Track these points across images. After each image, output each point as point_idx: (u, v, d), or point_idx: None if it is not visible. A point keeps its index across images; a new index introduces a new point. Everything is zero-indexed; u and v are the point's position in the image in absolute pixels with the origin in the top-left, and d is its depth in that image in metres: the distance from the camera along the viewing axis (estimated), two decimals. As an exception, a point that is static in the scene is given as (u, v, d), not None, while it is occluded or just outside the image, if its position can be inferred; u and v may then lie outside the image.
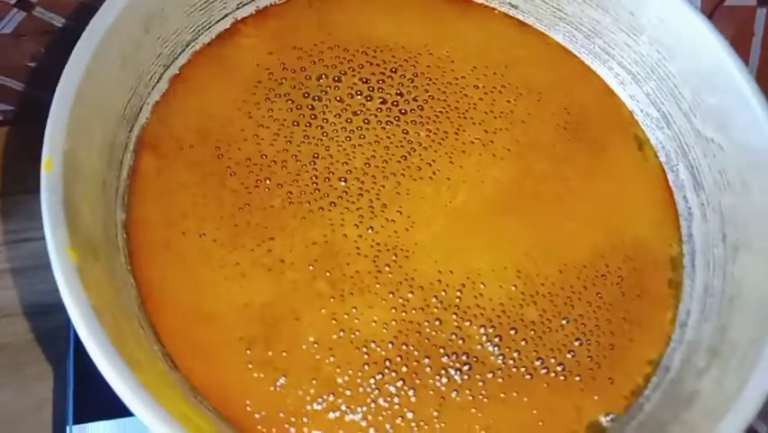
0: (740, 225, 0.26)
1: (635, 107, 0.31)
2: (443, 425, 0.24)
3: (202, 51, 0.29)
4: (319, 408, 0.23)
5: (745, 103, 0.27)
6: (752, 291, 0.24)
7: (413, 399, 0.24)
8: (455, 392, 0.24)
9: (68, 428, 0.28)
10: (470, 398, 0.24)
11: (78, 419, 0.28)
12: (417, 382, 0.24)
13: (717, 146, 0.28)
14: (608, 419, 0.25)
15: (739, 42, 0.33)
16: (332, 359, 0.24)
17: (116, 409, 0.27)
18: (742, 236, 0.26)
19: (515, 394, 0.24)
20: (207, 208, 0.26)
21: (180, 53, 0.29)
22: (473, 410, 0.24)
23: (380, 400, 0.24)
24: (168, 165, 0.27)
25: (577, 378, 0.25)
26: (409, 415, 0.24)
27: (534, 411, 0.24)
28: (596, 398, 0.25)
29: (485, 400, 0.24)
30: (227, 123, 0.28)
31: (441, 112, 0.30)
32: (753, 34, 0.37)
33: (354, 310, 0.25)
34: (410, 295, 0.25)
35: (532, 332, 0.25)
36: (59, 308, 0.20)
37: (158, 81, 0.28)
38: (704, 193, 0.28)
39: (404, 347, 0.25)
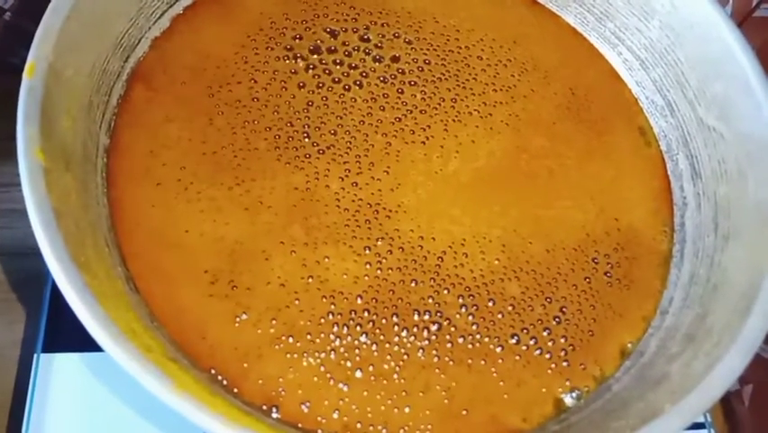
0: (733, 215, 0.25)
1: (641, 94, 0.30)
2: (402, 381, 0.23)
3: (207, -5, 0.29)
4: (276, 348, 0.23)
5: (750, 91, 0.26)
6: (734, 280, 0.23)
7: (375, 352, 0.23)
8: (420, 351, 0.23)
9: (35, 356, 0.28)
10: (436, 358, 0.23)
11: (48, 349, 0.28)
12: (381, 337, 0.24)
13: (718, 135, 0.27)
14: (573, 396, 0.24)
15: (765, 54, 0.33)
16: (296, 302, 0.24)
17: (87, 343, 0.27)
18: (733, 226, 0.25)
19: (482, 362, 0.23)
20: (191, 143, 0.26)
21: (186, -7, 0.29)
22: (437, 371, 0.23)
23: (341, 350, 0.23)
24: (158, 98, 0.27)
25: (547, 355, 0.24)
26: (369, 368, 0.23)
27: (501, 382, 0.23)
28: (565, 377, 0.24)
29: (450, 362, 0.23)
30: (223, 64, 0.28)
31: (439, 78, 0.29)
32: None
33: (326, 259, 0.25)
34: (388, 254, 0.25)
35: (510, 307, 0.24)
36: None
37: (160, 17, 0.28)
38: (701, 182, 0.27)
39: (373, 302, 0.24)
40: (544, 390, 0.23)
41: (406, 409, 0.23)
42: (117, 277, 0.23)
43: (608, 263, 0.26)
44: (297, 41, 0.29)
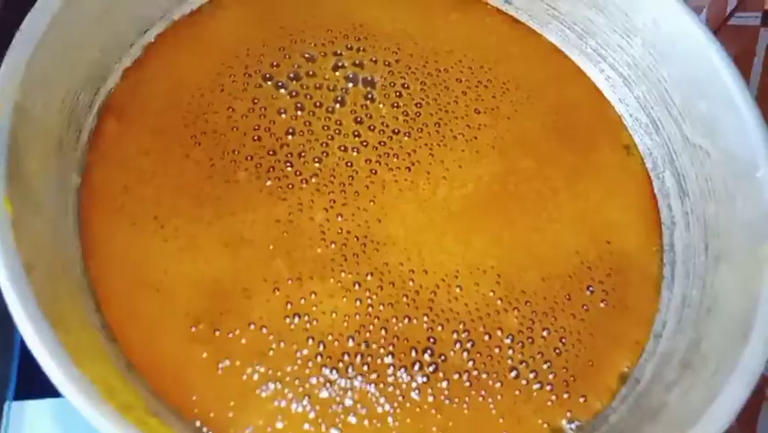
0: (722, 235, 0.25)
1: (625, 111, 0.30)
2: (397, 424, 0.22)
3: (181, 21, 0.28)
4: (263, 395, 0.22)
5: (735, 110, 0.25)
6: (727, 303, 0.23)
7: (369, 395, 0.23)
8: (416, 392, 0.23)
9: (5, 404, 0.27)
10: (431, 398, 0.23)
11: (20, 396, 0.27)
12: (375, 378, 0.23)
13: (704, 153, 0.27)
14: (572, 427, 0.23)
15: (742, 63, 0.33)
16: (282, 345, 0.23)
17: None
18: (724, 247, 0.25)
19: (480, 399, 0.23)
20: (168, 177, 0.25)
21: (159, 20, 0.28)
22: (433, 411, 0.22)
23: (333, 394, 0.22)
24: (131, 131, 0.26)
25: (548, 387, 0.23)
26: (362, 411, 0.22)
27: (500, 420, 0.22)
28: (566, 409, 0.23)
29: (447, 401, 0.23)
30: (198, 93, 0.27)
31: (420, 102, 0.29)
32: (755, 55, 0.36)
33: (313, 296, 0.24)
34: (379, 290, 0.24)
35: (509, 340, 0.24)
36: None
37: (131, 46, 0.27)
38: (689, 201, 0.27)
39: (365, 343, 0.23)
40: (545, 425, 0.23)
41: (401, 452, 0.22)
42: (92, 326, 0.21)
43: (603, 290, 0.26)
44: (275, 67, 0.28)
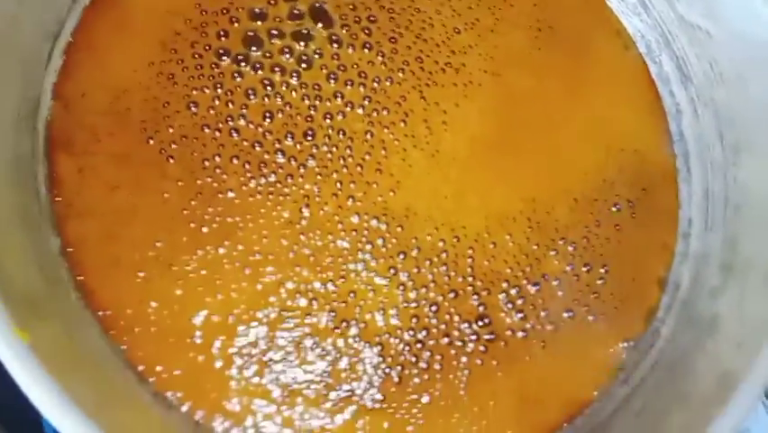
0: (738, 123, 0.24)
1: (609, -6, 0.27)
2: (470, 399, 0.22)
3: (94, 5, 0.23)
4: (336, 408, 0.21)
5: (740, -15, 0.24)
6: (758, 198, 0.23)
7: (438, 375, 0.22)
8: (479, 360, 0.23)
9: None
10: (495, 362, 0.23)
11: None
12: (439, 361, 0.22)
13: (704, 34, 0.25)
14: (625, 346, 0.24)
15: None
16: (342, 361, 0.22)
17: None
18: (742, 137, 0.24)
19: (542, 349, 0.23)
20: (151, 209, 0.22)
21: (68, 14, 0.22)
22: (499, 375, 0.23)
23: (406, 388, 0.22)
24: (89, 164, 0.22)
25: (602, 317, 0.24)
26: (436, 394, 0.22)
27: (564, 362, 0.23)
28: (616, 329, 0.24)
29: (511, 362, 0.23)
30: (148, 94, 0.23)
31: (392, 39, 0.25)
32: None
33: (352, 297, 0.22)
34: (416, 271, 0.23)
35: (556, 284, 0.23)
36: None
37: (49, 58, 0.22)
38: (693, 87, 0.26)
39: (422, 332, 0.22)
40: (605, 353, 0.23)
41: (483, 423, 0.22)
42: (146, 405, 0.20)
43: (628, 203, 0.25)
44: (225, 38, 0.24)
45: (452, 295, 0.23)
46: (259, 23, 0.24)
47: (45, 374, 0.16)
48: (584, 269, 0.24)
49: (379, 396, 0.22)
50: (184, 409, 0.20)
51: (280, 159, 0.23)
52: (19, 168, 0.20)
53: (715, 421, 0.18)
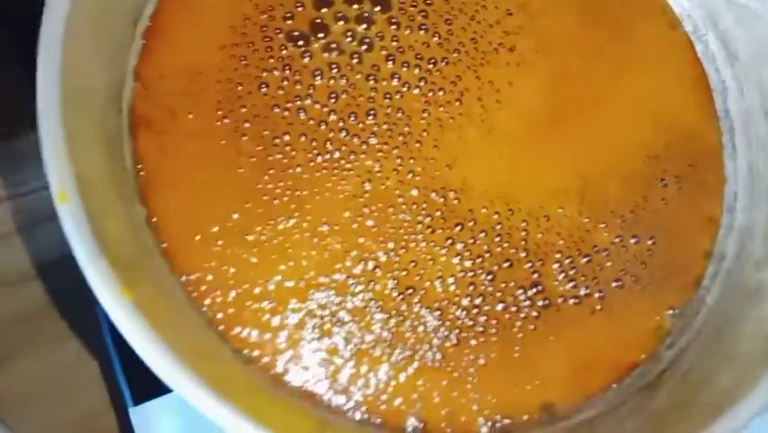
0: (784, 100, 0.25)
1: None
2: (525, 360, 0.24)
3: (169, -5, 0.25)
4: (399, 366, 0.23)
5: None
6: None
7: (493, 339, 0.24)
8: (532, 326, 0.24)
9: (130, 411, 0.27)
10: (546, 328, 0.24)
11: (137, 402, 0.27)
12: (494, 325, 0.24)
13: (752, 13, 0.26)
14: (671, 313, 0.25)
15: None
16: (406, 323, 0.23)
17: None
18: (788, 113, 0.25)
19: (592, 316, 0.24)
20: (227, 183, 0.24)
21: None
22: (551, 339, 0.24)
23: (464, 351, 0.23)
24: (169, 141, 0.24)
25: (650, 286, 0.25)
26: (492, 356, 0.24)
27: (613, 328, 0.24)
28: (662, 297, 0.25)
29: (563, 327, 0.24)
30: (221, 76, 0.24)
31: (448, 20, 0.26)
32: None
33: (413, 265, 0.24)
34: (472, 242, 0.24)
35: (605, 255, 0.25)
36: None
37: (131, 41, 0.24)
38: (739, 65, 0.27)
39: (479, 298, 0.24)
40: (652, 320, 0.25)
41: (536, 382, 0.24)
42: (229, 359, 0.22)
43: (676, 178, 0.26)
44: (290, 21, 0.25)
45: (506, 264, 0.24)
46: (324, 9, 0.26)
47: (149, 329, 0.18)
48: (632, 241, 0.25)
49: (438, 356, 0.23)
50: (261, 362, 0.22)
51: (344, 136, 0.25)
52: (110, 143, 0.22)
53: (762, 381, 0.20)
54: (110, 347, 0.28)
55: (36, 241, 0.30)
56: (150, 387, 0.27)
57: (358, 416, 0.22)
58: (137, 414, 0.27)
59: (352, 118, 0.25)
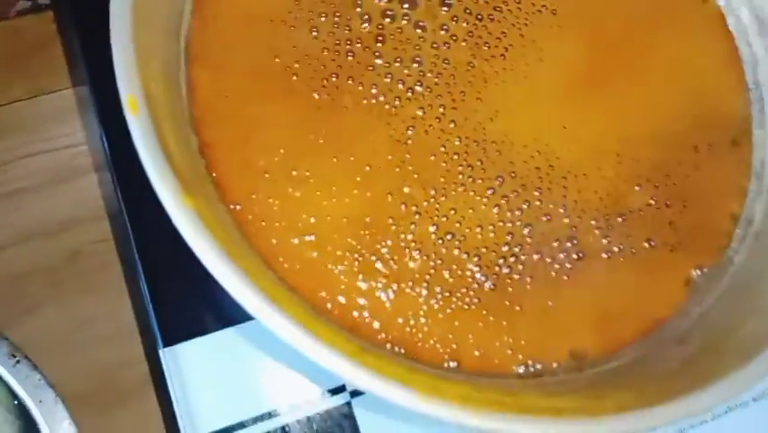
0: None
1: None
2: (559, 310, 0.24)
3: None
4: (439, 308, 0.24)
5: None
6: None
7: (528, 286, 0.24)
8: (566, 277, 0.25)
9: (160, 352, 0.28)
10: (580, 279, 0.25)
11: (168, 343, 0.28)
12: (529, 279, 0.24)
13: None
14: (700, 273, 0.26)
15: None
16: (443, 268, 0.24)
17: (202, 327, 0.27)
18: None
19: (624, 272, 0.25)
20: (277, 119, 0.24)
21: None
22: (583, 290, 0.25)
23: (500, 296, 0.24)
24: (222, 77, 0.24)
25: (679, 246, 0.25)
26: (526, 302, 0.24)
27: (644, 284, 0.25)
28: (691, 258, 0.26)
29: (596, 282, 0.25)
30: (274, 17, 0.25)
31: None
32: None
33: (453, 212, 0.24)
34: (512, 193, 0.25)
35: (639, 216, 0.25)
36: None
37: (190, -25, 0.24)
38: (771, 37, 0.28)
39: (517, 247, 0.24)
40: (682, 278, 0.25)
41: (566, 331, 0.24)
42: (274, 283, 0.22)
43: (708, 145, 0.27)
44: (344, -32, 0.26)
45: (544, 218, 0.25)
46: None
47: (209, 236, 0.19)
48: (665, 203, 0.26)
49: (476, 300, 0.24)
50: (303, 291, 0.23)
51: (389, 81, 0.25)
52: (168, 71, 0.22)
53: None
54: (144, 288, 0.28)
55: (63, 197, 0.31)
56: (180, 332, 0.27)
57: (395, 349, 0.23)
58: (168, 355, 0.27)
59: (398, 64, 0.25)
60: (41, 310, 0.30)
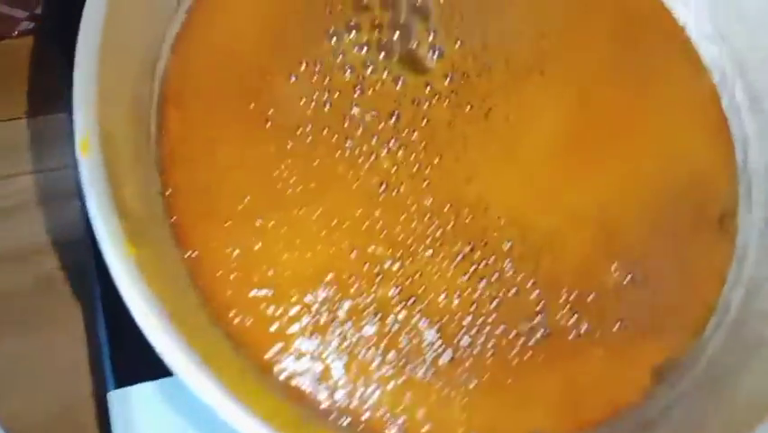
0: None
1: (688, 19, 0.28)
2: (519, 387, 0.23)
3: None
4: (388, 374, 0.23)
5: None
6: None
7: (488, 361, 0.23)
8: (529, 353, 0.24)
9: (108, 395, 0.27)
10: (543, 357, 0.24)
11: (120, 385, 0.27)
12: (491, 354, 0.23)
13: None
14: (670, 361, 0.25)
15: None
16: (402, 335, 0.23)
17: (157, 370, 0.26)
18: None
19: (592, 352, 0.24)
20: (246, 165, 0.24)
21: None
22: (547, 370, 0.24)
23: (455, 368, 0.23)
24: (193, 118, 0.24)
25: (651, 330, 0.24)
26: (485, 377, 0.23)
27: (611, 366, 0.24)
28: (662, 343, 0.25)
29: (560, 361, 0.24)
30: (253, 60, 0.25)
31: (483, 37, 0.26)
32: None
33: (419, 276, 0.24)
34: (483, 262, 0.24)
35: (614, 295, 0.24)
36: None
37: (174, 12, 0.24)
38: (764, 116, 0.27)
39: (479, 322, 0.23)
40: (651, 364, 0.24)
41: (526, 412, 0.23)
42: (218, 339, 0.21)
43: (692, 223, 0.26)
44: (330, 15, 0.25)
45: (513, 290, 0.24)
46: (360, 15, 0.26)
47: (146, 288, 0.18)
48: (640, 282, 0.25)
49: (431, 371, 0.23)
50: (251, 350, 0.22)
51: (363, 134, 0.25)
52: (139, 107, 0.22)
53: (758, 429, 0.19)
54: (100, 327, 0.27)
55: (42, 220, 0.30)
56: (134, 375, 0.26)
57: (339, 420, 0.22)
58: (116, 398, 0.26)
59: (374, 116, 0.25)
60: (2, 338, 0.30)
